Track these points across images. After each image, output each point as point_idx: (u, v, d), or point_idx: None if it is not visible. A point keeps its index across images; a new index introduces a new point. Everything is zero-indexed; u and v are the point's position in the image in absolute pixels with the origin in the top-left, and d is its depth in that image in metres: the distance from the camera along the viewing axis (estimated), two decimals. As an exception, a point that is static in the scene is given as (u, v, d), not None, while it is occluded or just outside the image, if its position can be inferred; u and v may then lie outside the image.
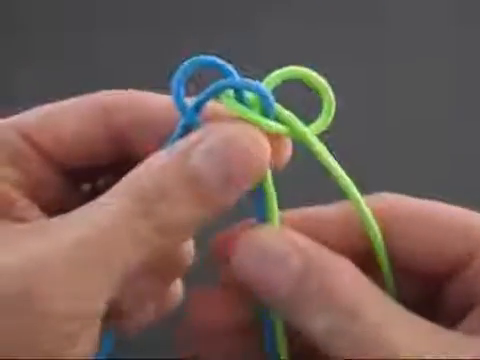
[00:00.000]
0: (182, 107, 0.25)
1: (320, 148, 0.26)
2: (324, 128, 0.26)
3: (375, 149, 0.51)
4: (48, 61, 0.54)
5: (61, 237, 0.22)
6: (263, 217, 0.26)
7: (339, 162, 0.26)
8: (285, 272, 0.23)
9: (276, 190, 0.26)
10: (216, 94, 0.25)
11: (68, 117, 0.26)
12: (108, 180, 0.29)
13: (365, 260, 0.25)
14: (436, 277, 0.25)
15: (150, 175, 0.23)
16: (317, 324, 0.23)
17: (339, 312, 0.22)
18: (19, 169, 0.26)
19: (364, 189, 0.26)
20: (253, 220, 0.26)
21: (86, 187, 0.29)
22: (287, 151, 0.26)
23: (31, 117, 0.27)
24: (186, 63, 0.25)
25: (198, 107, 0.25)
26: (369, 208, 0.26)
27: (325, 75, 0.26)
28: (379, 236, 0.26)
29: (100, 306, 0.22)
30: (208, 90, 0.25)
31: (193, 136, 0.24)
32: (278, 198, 0.26)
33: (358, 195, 0.26)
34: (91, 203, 0.23)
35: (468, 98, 0.54)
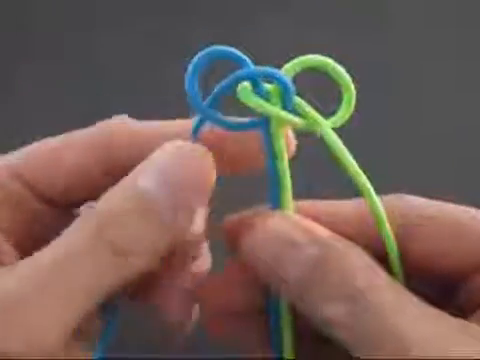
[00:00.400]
0: (197, 104, 0.24)
1: (338, 143, 0.25)
2: (343, 122, 0.25)
3: (378, 149, 0.51)
4: (49, 60, 0.54)
5: (25, 273, 0.22)
6: (277, 206, 0.25)
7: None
8: (301, 258, 0.23)
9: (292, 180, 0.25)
10: (234, 86, 0.24)
11: (65, 156, 0.26)
12: None
13: (378, 261, 0.25)
14: (450, 278, 0.25)
15: (105, 203, 0.23)
16: (329, 310, 0.23)
17: (351, 299, 0.22)
18: (11, 212, 0.26)
19: (376, 189, 0.26)
20: (266, 208, 0.26)
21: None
22: (291, 144, 0.26)
23: (25, 157, 0.27)
24: (199, 55, 0.24)
25: (213, 103, 0.25)
26: (384, 208, 0.25)
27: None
28: (392, 237, 0.25)
29: (60, 339, 0.22)
30: (225, 82, 0.24)
31: (141, 164, 0.24)
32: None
33: (374, 194, 0.25)
34: (58, 237, 0.23)
35: (470, 99, 0.54)
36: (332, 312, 0.23)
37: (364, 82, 0.49)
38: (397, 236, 0.25)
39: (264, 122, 0.25)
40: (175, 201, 0.23)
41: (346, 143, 0.25)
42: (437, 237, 0.25)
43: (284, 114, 0.24)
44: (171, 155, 0.24)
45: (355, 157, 0.25)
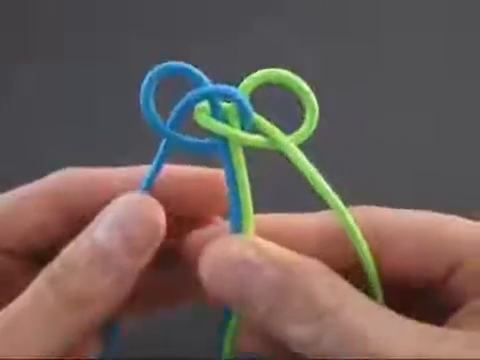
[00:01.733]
0: (154, 122, 0.24)
1: (302, 160, 0.24)
2: (306, 138, 0.24)
3: (361, 159, 0.51)
4: (49, 60, 0.54)
5: None
6: (237, 223, 0.24)
7: (321, 170, 0.24)
8: (262, 284, 0.23)
9: (254, 196, 0.25)
10: (189, 108, 0.24)
11: (25, 212, 0.27)
12: None
13: (343, 272, 0.24)
14: (424, 285, 0.25)
15: (61, 255, 0.24)
16: (298, 332, 0.22)
17: (316, 320, 0.22)
18: None
19: (349, 201, 0.25)
20: (226, 226, 0.25)
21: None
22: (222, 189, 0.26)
23: None
24: (150, 74, 0.23)
25: (174, 125, 0.24)
26: (354, 221, 0.24)
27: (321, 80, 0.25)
28: (367, 252, 0.24)
29: None
30: (180, 104, 0.24)
31: (96, 217, 0.24)
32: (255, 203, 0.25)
33: (344, 209, 0.24)
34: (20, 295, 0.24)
35: (462, 105, 0.54)
36: (298, 334, 0.22)
37: (358, 84, 0.49)
38: (370, 250, 0.25)
39: (222, 143, 0.24)
40: (127, 248, 0.24)
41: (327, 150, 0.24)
42: (409, 248, 0.25)
43: (241, 135, 0.24)
44: (123, 206, 0.24)
45: (322, 169, 0.24)
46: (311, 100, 0.24)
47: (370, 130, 0.51)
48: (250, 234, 0.24)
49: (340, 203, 0.24)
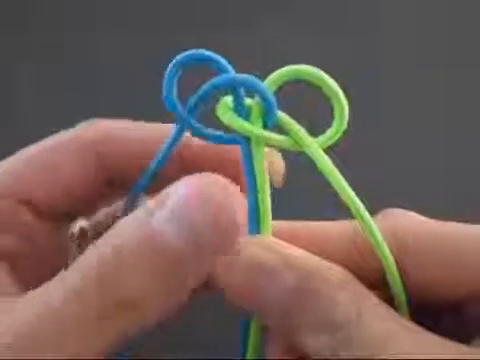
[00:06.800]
0: (174, 108, 0.23)
1: (328, 165, 0.22)
2: (334, 141, 0.23)
3: (370, 164, 0.51)
4: (49, 60, 0.54)
5: (16, 317, 0.20)
6: (256, 229, 0.23)
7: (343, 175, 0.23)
8: (277, 289, 0.21)
9: (276, 200, 0.23)
10: (210, 95, 0.22)
11: (60, 164, 0.25)
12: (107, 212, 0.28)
13: (369, 282, 0.23)
14: (452, 301, 0.24)
15: (110, 242, 0.21)
16: (313, 341, 0.21)
17: (333, 331, 0.21)
18: (6, 236, 0.24)
19: (372, 204, 0.24)
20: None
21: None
22: (280, 167, 0.24)
23: (14, 171, 0.25)
24: (177, 59, 0.22)
25: (192, 111, 0.23)
26: (379, 229, 0.23)
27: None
28: (392, 261, 0.23)
29: None
30: (200, 92, 0.23)
31: (155, 198, 0.21)
32: (278, 208, 0.24)
33: (369, 218, 0.23)
34: (58, 276, 0.21)
35: (461, 103, 0.54)
36: (313, 343, 0.21)
37: (360, 85, 0.49)
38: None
39: (243, 140, 0.23)
40: (196, 255, 0.20)
41: (337, 158, 0.23)
42: (434, 264, 0.23)
43: (264, 134, 0.22)
44: (193, 198, 0.20)
45: (347, 174, 0.23)
46: (341, 100, 0.22)
47: (371, 129, 0.51)
48: (267, 237, 0.23)
49: (367, 214, 0.23)
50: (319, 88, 0.22)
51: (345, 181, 0.23)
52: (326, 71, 0.23)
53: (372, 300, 0.22)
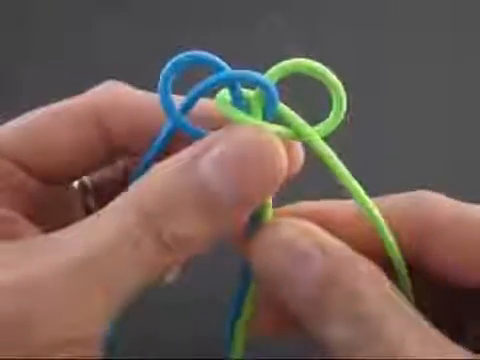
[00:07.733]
0: (169, 108, 0.23)
1: (328, 153, 0.23)
2: (332, 130, 0.23)
3: (376, 150, 0.51)
4: (49, 60, 0.54)
5: (58, 259, 0.21)
6: (255, 212, 0.23)
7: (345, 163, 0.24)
8: (309, 274, 0.22)
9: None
10: (206, 91, 0.23)
11: (57, 129, 0.25)
12: (104, 174, 0.28)
13: (382, 263, 0.23)
14: (469, 288, 0.24)
15: (153, 187, 0.21)
16: (336, 332, 0.21)
17: (361, 324, 0.21)
18: (9, 189, 0.24)
19: (372, 191, 0.24)
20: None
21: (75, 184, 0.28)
22: (299, 156, 0.25)
23: (14, 135, 0.25)
24: (173, 60, 0.22)
25: (186, 108, 0.23)
26: (400, 211, 0.23)
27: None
28: (393, 243, 0.24)
29: (98, 332, 0.21)
30: (197, 88, 0.23)
31: (201, 143, 0.22)
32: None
33: (371, 204, 0.23)
34: (90, 218, 0.21)
35: (466, 102, 0.54)
36: (336, 333, 0.21)
37: (364, 82, 0.49)
38: (411, 246, 0.24)
39: None
40: (238, 198, 0.21)
41: (338, 146, 0.24)
42: (458, 248, 0.23)
43: (265, 125, 0.23)
44: (238, 144, 0.21)
45: (347, 162, 0.24)
46: (340, 93, 0.23)
47: (372, 129, 0.51)
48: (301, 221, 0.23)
49: (367, 199, 0.23)
50: (318, 81, 0.23)
51: (345, 168, 0.23)
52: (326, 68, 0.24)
53: (394, 295, 0.22)
